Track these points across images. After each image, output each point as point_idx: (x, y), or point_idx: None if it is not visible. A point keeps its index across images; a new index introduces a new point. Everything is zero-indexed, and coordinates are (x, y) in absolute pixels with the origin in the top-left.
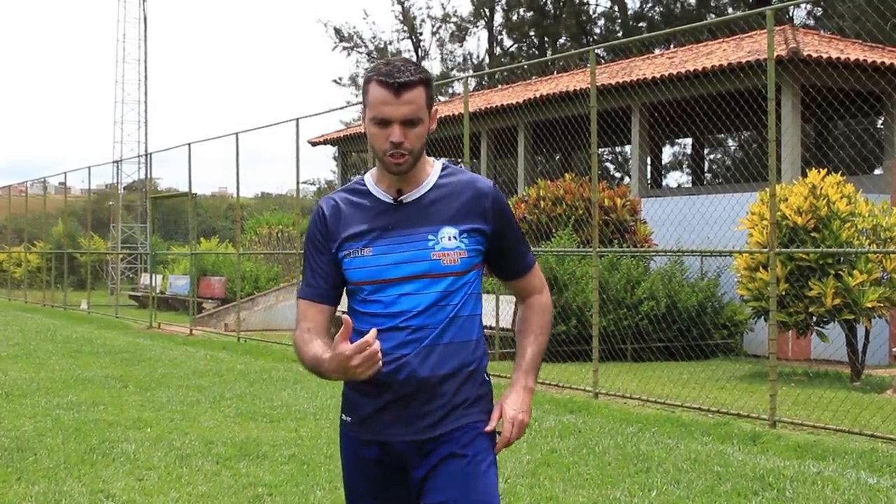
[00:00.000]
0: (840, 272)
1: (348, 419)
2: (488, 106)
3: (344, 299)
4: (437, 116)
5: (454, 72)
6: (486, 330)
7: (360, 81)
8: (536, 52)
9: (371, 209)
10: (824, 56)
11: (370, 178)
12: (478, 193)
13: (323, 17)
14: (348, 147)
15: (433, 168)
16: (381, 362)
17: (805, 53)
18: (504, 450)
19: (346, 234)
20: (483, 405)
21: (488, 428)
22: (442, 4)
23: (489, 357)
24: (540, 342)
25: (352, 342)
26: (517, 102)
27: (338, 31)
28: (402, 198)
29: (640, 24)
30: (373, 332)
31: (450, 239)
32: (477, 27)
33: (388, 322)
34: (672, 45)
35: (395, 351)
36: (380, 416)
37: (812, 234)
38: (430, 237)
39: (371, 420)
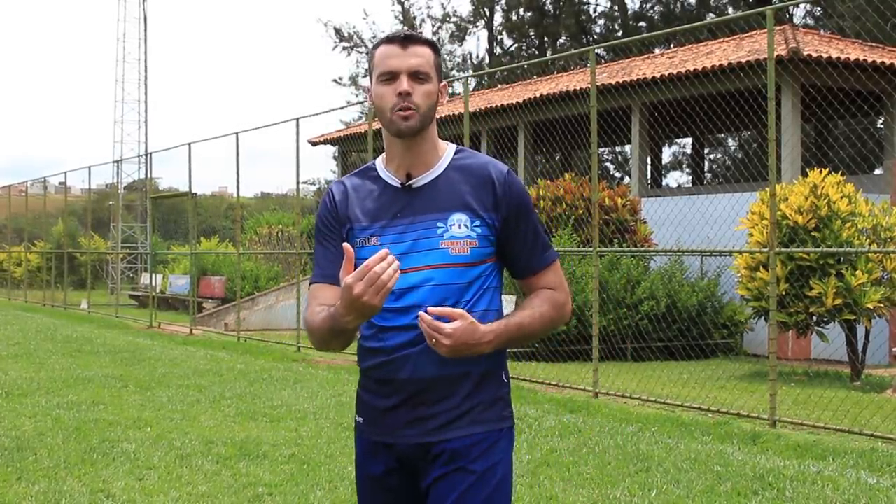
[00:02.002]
0: (841, 272)
1: (360, 420)
2: (488, 106)
3: None
4: (440, 115)
5: (454, 72)
6: None
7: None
8: (536, 52)
9: (380, 194)
10: (824, 56)
11: (380, 161)
12: (491, 178)
13: (323, 16)
14: (348, 147)
15: (445, 151)
16: (391, 282)
17: (805, 53)
18: None
19: (354, 222)
20: (499, 409)
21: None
22: (442, 4)
23: None
24: (536, 318)
25: (364, 337)
26: (517, 102)
27: (338, 31)
28: (410, 182)
29: (640, 24)
30: (383, 251)
31: (460, 227)
32: (477, 27)
33: (398, 318)
34: (672, 45)
35: (406, 348)
36: (389, 415)
37: (813, 234)
38: (440, 224)
39: (381, 420)
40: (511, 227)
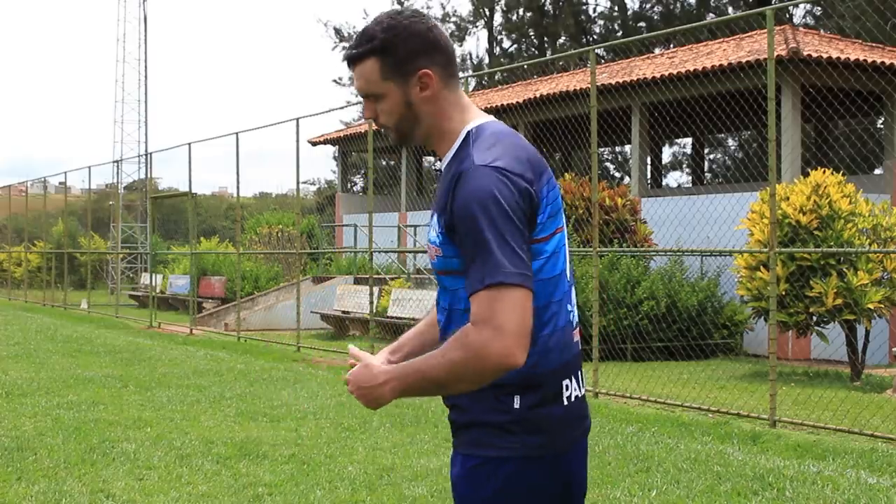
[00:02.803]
0: (842, 271)
1: None
2: (488, 106)
3: None
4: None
5: None
6: None
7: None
8: (536, 52)
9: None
10: (824, 56)
11: None
12: (452, 174)
13: (323, 16)
14: (348, 147)
15: (460, 135)
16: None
17: (805, 53)
18: None
19: None
20: (480, 433)
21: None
22: (441, 4)
23: None
24: (434, 357)
25: None
26: (517, 102)
27: (338, 31)
28: (441, 166)
29: (640, 24)
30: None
31: (433, 230)
32: (476, 27)
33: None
34: (672, 45)
35: None
36: None
37: (815, 234)
38: (431, 223)
39: None
40: (456, 237)
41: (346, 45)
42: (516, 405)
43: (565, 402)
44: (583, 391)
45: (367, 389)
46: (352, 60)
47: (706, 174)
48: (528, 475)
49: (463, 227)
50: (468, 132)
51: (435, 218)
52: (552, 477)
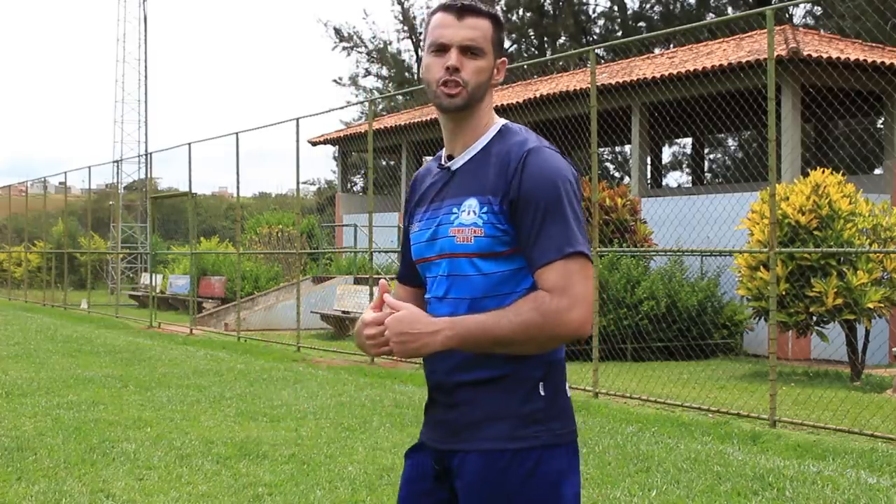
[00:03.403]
0: (842, 271)
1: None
2: None
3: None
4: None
5: None
6: None
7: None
8: (536, 52)
9: (431, 177)
10: (824, 56)
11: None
12: (509, 157)
13: (323, 16)
14: (348, 147)
15: (492, 127)
16: (383, 348)
17: (805, 53)
18: None
19: (410, 207)
20: (518, 424)
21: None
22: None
23: None
24: (503, 319)
25: None
26: (517, 102)
27: (338, 31)
28: (450, 164)
29: (640, 24)
30: (382, 283)
31: (469, 213)
32: None
33: (432, 309)
34: (672, 45)
35: None
36: (426, 416)
37: (815, 234)
38: (454, 210)
39: (425, 418)
40: (520, 212)
41: (346, 45)
42: (542, 392)
43: (568, 392)
44: None
45: (413, 335)
46: (470, 10)
47: (706, 174)
48: (556, 462)
49: (541, 201)
50: (504, 125)
51: (472, 200)
52: (576, 460)
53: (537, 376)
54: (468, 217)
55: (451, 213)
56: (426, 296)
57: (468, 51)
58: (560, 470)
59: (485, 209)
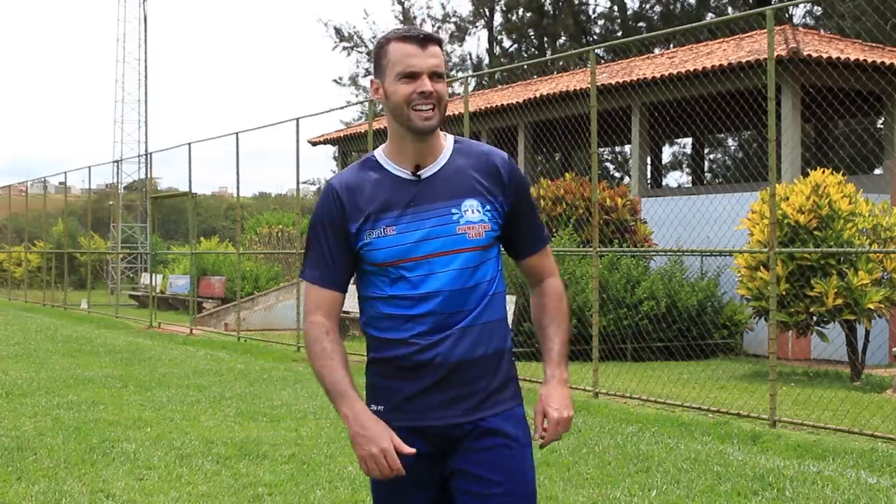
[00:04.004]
0: (842, 271)
1: (379, 408)
2: (488, 106)
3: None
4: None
5: (454, 72)
6: None
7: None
8: (536, 52)
9: (389, 186)
10: (824, 56)
11: (382, 155)
12: (495, 165)
13: (323, 16)
14: (348, 147)
15: (446, 141)
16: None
17: (805, 53)
18: None
19: (365, 214)
20: (514, 387)
21: (536, 436)
22: (442, 4)
23: None
24: (564, 329)
25: (376, 330)
26: (517, 102)
27: (338, 31)
28: (420, 172)
29: (640, 25)
30: (410, 452)
31: (473, 212)
32: (476, 27)
33: (419, 305)
34: (672, 45)
35: (431, 335)
36: (419, 400)
37: (814, 234)
38: (454, 210)
39: (409, 406)
40: (517, 210)
41: (346, 45)
42: (513, 360)
43: None
44: None
45: (571, 402)
46: (430, 39)
47: (706, 174)
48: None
49: (527, 200)
50: (455, 137)
51: (472, 201)
52: None
53: (511, 345)
54: (474, 215)
55: (452, 213)
56: (400, 292)
57: (435, 75)
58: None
59: (487, 207)
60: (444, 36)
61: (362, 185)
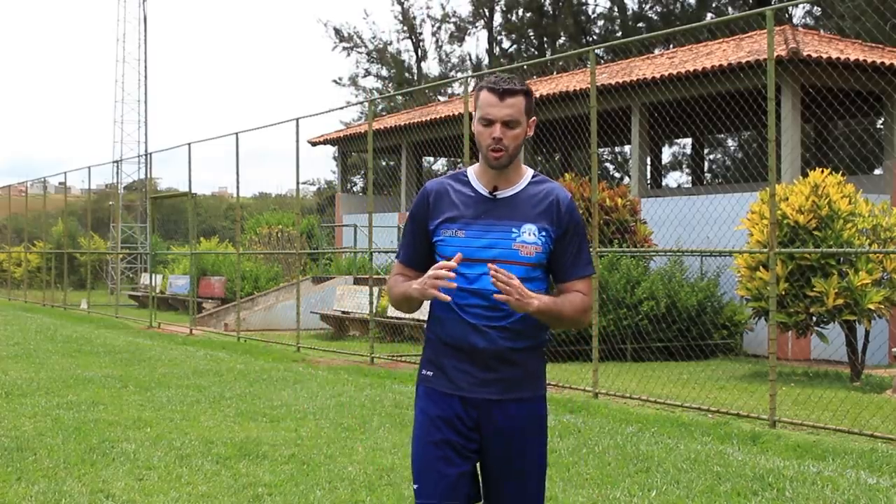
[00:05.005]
0: (843, 271)
1: (429, 374)
2: None
3: None
4: (440, 115)
5: (454, 72)
6: None
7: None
8: (536, 53)
9: (470, 199)
10: (824, 56)
11: (472, 173)
12: (557, 200)
13: (323, 16)
14: (348, 147)
15: (526, 174)
16: (448, 289)
17: (805, 53)
18: None
19: (444, 216)
20: (543, 379)
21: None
22: (441, 4)
23: None
24: (568, 308)
25: (442, 310)
26: None
27: (338, 31)
28: (496, 193)
29: (640, 25)
30: (458, 255)
31: (530, 234)
32: (476, 27)
33: (471, 297)
34: (672, 46)
35: (478, 322)
36: (460, 375)
37: (814, 234)
38: (514, 230)
39: (454, 378)
40: (565, 241)
41: (346, 45)
42: (545, 359)
43: None
44: None
45: (529, 300)
46: (508, 92)
47: (706, 174)
48: (546, 408)
49: (577, 235)
50: (534, 173)
51: (531, 226)
52: None
53: (544, 348)
54: (529, 237)
55: (511, 232)
56: (465, 286)
57: (507, 124)
58: (546, 414)
59: (543, 234)
60: (443, 36)
61: (449, 192)
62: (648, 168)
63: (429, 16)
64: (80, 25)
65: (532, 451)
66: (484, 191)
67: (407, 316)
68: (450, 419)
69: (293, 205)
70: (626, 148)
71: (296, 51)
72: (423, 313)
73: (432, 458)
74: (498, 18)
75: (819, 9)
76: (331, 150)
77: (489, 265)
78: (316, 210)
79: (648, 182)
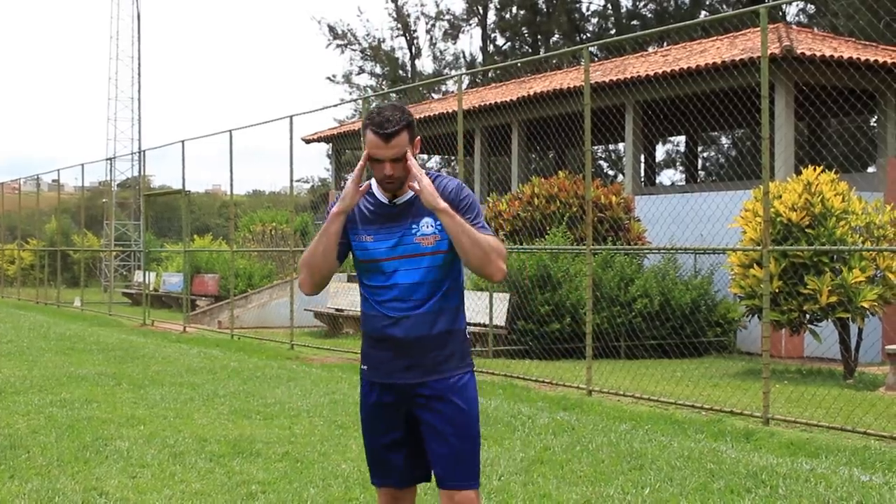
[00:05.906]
0: (836, 269)
1: (365, 367)
2: (482, 104)
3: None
4: (434, 113)
5: (448, 70)
6: (479, 327)
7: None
8: (530, 50)
9: (375, 208)
10: (817, 54)
11: (375, 185)
12: (443, 188)
13: (317, 14)
14: (342, 144)
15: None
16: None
17: (798, 51)
18: (497, 448)
19: (357, 224)
20: (466, 357)
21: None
22: (435, 2)
23: (484, 355)
24: (476, 235)
25: (366, 306)
26: (511, 100)
27: (331, 29)
28: (395, 200)
29: (634, 23)
30: (365, 155)
31: (427, 226)
32: (470, 25)
33: (388, 293)
34: (665, 43)
35: (396, 314)
36: (387, 364)
37: (807, 231)
38: (413, 226)
39: (381, 367)
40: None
41: (340, 42)
42: (467, 339)
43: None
44: None
45: (434, 196)
46: (392, 135)
47: (700, 172)
48: (474, 382)
49: (466, 207)
50: (426, 170)
51: (428, 219)
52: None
53: (465, 329)
54: (427, 229)
55: (412, 228)
56: (376, 283)
57: (395, 160)
58: (474, 386)
59: (438, 223)
60: (437, 33)
61: (360, 204)
62: (642, 166)
63: (423, 13)
64: (73, 23)
65: (458, 417)
66: (385, 199)
67: None
68: (386, 406)
69: (287, 202)
70: (620, 146)
71: (290, 48)
72: None
73: (378, 447)
74: (492, 16)
75: (812, 7)
76: (324, 148)
77: (409, 185)
78: (310, 208)
79: (642, 180)
